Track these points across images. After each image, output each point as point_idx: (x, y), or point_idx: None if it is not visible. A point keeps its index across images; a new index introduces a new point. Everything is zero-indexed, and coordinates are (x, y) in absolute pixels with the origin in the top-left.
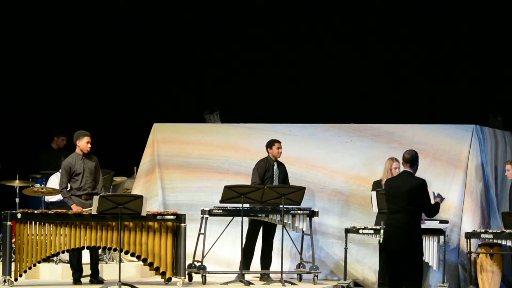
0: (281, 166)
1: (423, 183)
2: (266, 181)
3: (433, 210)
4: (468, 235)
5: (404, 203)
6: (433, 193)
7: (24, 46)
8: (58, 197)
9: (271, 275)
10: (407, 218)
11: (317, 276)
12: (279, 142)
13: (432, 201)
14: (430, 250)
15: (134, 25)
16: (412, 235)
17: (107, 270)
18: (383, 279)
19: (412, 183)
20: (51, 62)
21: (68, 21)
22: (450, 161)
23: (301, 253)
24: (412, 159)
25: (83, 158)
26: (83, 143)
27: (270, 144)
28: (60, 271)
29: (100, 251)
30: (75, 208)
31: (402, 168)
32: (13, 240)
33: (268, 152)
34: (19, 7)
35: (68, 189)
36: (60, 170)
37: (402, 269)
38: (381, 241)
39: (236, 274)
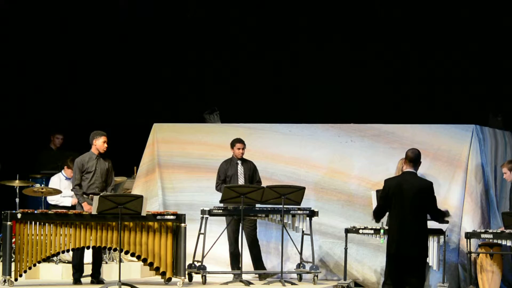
0: (246, 163)
1: (431, 186)
2: (229, 180)
3: (441, 215)
4: (468, 235)
5: (412, 205)
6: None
7: (26, 52)
8: (58, 200)
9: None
10: (417, 222)
11: (317, 276)
12: (240, 142)
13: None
14: (430, 250)
15: (134, 25)
16: (423, 240)
17: (107, 270)
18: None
19: (421, 184)
20: (52, 62)
21: (71, 23)
22: (450, 161)
23: (301, 253)
24: (416, 158)
25: (98, 158)
26: (100, 143)
27: (232, 144)
28: (60, 271)
29: None
30: (86, 207)
31: None
32: (13, 240)
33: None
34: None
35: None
36: (61, 171)
37: (409, 271)
38: (382, 242)
39: (236, 274)
